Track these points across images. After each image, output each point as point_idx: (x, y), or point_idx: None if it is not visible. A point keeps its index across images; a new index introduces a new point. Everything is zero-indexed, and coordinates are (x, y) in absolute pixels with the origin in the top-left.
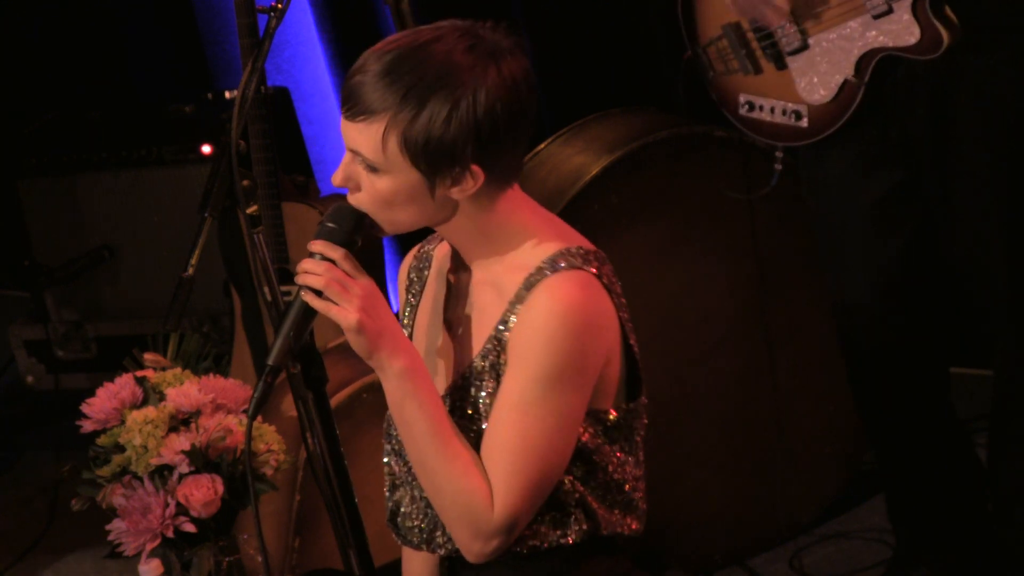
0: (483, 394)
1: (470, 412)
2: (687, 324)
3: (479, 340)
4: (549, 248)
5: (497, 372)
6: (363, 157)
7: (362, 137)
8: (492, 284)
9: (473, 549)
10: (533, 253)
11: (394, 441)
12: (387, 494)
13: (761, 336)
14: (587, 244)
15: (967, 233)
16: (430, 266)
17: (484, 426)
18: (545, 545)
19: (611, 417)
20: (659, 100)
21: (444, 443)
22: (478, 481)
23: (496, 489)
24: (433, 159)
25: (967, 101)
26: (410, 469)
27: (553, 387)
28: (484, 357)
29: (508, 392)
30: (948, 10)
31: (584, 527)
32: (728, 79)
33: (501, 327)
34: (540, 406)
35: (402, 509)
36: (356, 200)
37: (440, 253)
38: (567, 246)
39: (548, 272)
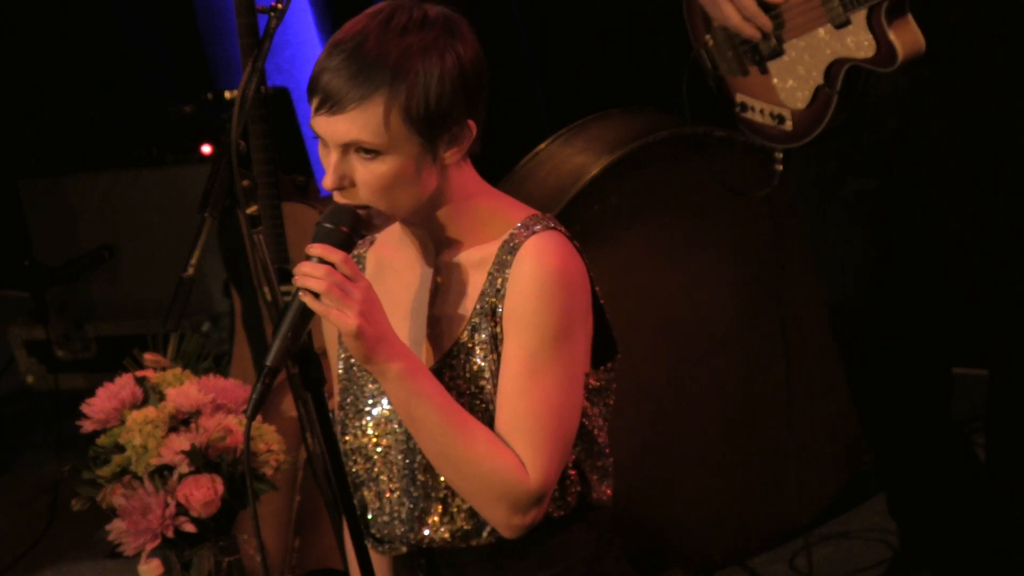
0: (483, 367)
1: (472, 389)
2: (687, 324)
3: (460, 316)
4: (514, 216)
5: (496, 342)
6: (364, 144)
7: (358, 124)
8: (462, 261)
9: (513, 524)
10: (500, 223)
11: (350, 438)
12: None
13: (761, 336)
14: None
15: (946, 236)
16: (365, 269)
17: (488, 399)
18: (552, 511)
19: (591, 383)
20: (659, 100)
21: (461, 429)
22: (507, 456)
23: (528, 457)
24: (435, 122)
25: (936, 109)
26: (373, 466)
27: (560, 345)
28: (474, 331)
29: (516, 359)
30: (913, 23)
31: (578, 488)
32: (727, 78)
33: (489, 297)
34: (552, 366)
35: (369, 507)
36: (352, 197)
37: (374, 253)
38: (531, 213)
39: (525, 235)
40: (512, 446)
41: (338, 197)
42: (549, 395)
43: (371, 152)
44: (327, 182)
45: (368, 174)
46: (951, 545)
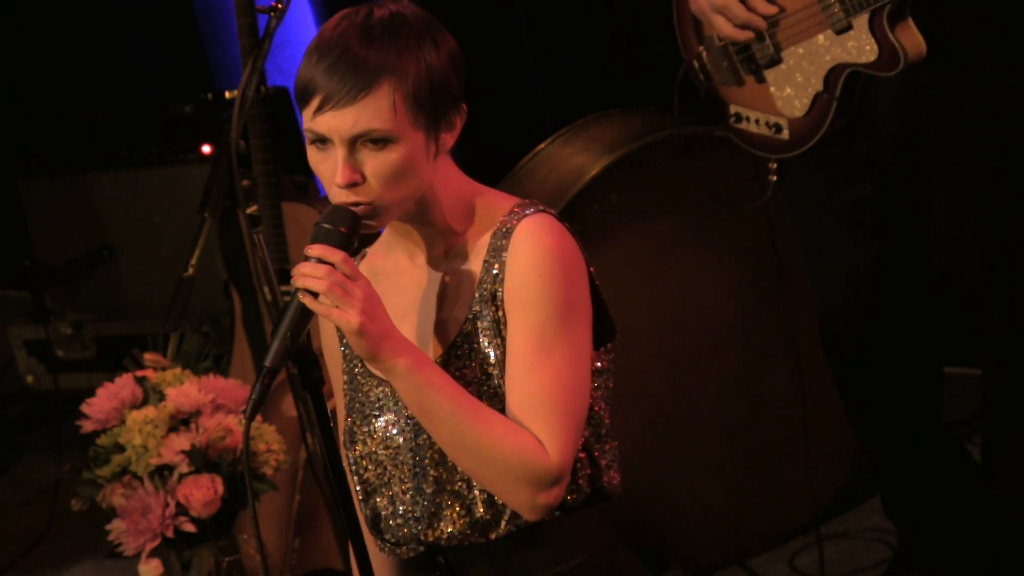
0: (488, 353)
1: (480, 377)
2: (687, 324)
3: (461, 308)
4: (503, 206)
5: (499, 328)
6: (375, 133)
7: (368, 113)
8: (457, 255)
9: (538, 503)
10: (490, 214)
11: (360, 446)
12: (361, 506)
13: (761, 336)
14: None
15: (944, 243)
16: None
17: (497, 385)
18: (564, 495)
19: (595, 365)
20: (659, 100)
21: (476, 416)
22: (524, 437)
23: (547, 435)
24: (439, 104)
25: (933, 116)
26: (384, 471)
27: (565, 320)
28: (476, 319)
29: (524, 339)
30: (914, 27)
31: (588, 472)
32: (720, 89)
33: (487, 283)
34: (560, 342)
35: (382, 513)
36: (363, 192)
37: (367, 264)
38: (518, 201)
39: (516, 219)
40: (527, 425)
41: (348, 195)
42: (559, 371)
43: (381, 141)
44: (341, 177)
45: (380, 164)
46: (950, 545)
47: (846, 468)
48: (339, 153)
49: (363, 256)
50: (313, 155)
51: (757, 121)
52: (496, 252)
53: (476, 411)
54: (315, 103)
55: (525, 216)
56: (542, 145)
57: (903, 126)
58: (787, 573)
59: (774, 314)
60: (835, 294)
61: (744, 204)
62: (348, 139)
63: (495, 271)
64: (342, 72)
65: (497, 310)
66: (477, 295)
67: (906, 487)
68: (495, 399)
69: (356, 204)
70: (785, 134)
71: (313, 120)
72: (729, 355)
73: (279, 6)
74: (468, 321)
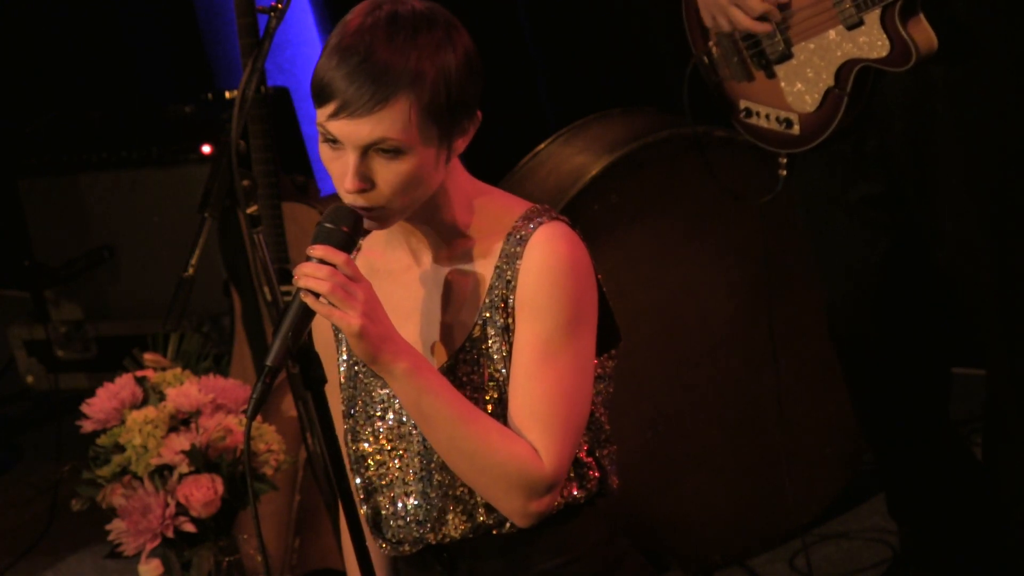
0: (497, 360)
1: (487, 383)
2: (688, 324)
3: (470, 312)
4: (514, 210)
5: (508, 334)
6: (390, 142)
7: (384, 124)
8: (466, 257)
9: (529, 511)
10: (501, 217)
11: (364, 444)
12: (362, 505)
13: (761, 336)
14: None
15: (952, 240)
16: None
17: (503, 391)
18: (571, 499)
19: (596, 371)
20: (659, 100)
21: (473, 422)
22: (520, 444)
23: (544, 444)
24: (455, 115)
25: (943, 112)
26: (387, 472)
27: (573, 331)
28: (486, 325)
29: (529, 346)
30: (926, 22)
31: (596, 474)
32: (729, 84)
33: (499, 289)
34: (566, 352)
35: (383, 513)
36: (372, 198)
37: (363, 259)
38: (530, 206)
39: (532, 226)
40: (525, 432)
41: (356, 199)
42: (562, 380)
43: (394, 151)
44: (349, 183)
45: (391, 173)
46: (951, 545)
47: (846, 468)
48: (350, 159)
49: (358, 250)
50: (325, 152)
51: (767, 116)
52: (510, 259)
53: (473, 417)
54: (331, 107)
55: (540, 224)
56: (542, 145)
57: (912, 122)
58: (787, 573)
59: (774, 313)
60: (843, 290)
61: (756, 198)
62: (361, 147)
63: (507, 278)
64: (361, 81)
65: (507, 317)
66: (488, 300)
67: (910, 485)
68: (500, 405)
69: (365, 208)
70: (795, 129)
71: (328, 122)
72: (729, 355)
73: (279, 6)
74: (477, 326)
